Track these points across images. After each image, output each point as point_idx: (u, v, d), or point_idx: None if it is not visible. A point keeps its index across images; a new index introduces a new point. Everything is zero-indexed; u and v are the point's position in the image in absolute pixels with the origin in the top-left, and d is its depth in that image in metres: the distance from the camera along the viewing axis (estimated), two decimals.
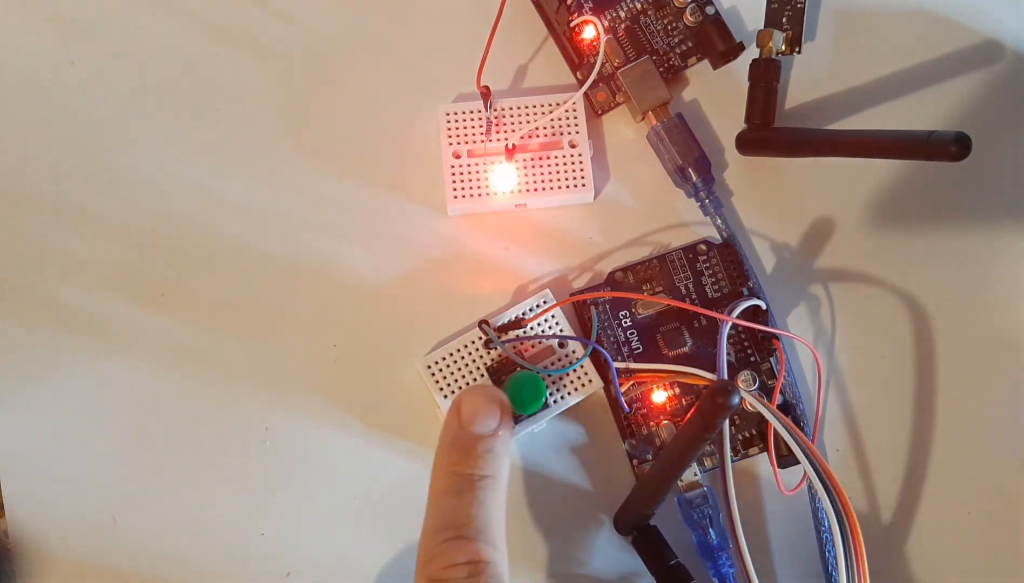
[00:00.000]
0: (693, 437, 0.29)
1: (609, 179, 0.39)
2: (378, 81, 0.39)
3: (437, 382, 0.36)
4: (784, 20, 0.39)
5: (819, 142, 0.37)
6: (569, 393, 0.36)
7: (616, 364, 0.36)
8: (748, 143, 0.39)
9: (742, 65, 0.39)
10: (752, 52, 0.39)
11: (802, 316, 0.38)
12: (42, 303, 0.37)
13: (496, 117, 0.38)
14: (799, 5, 0.39)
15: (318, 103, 0.39)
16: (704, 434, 0.29)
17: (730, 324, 0.35)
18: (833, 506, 0.32)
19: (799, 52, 0.39)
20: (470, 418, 0.32)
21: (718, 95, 0.40)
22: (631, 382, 0.36)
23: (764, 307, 0.36)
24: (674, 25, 0.39)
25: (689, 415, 0.30)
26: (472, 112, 0.38)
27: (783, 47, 0.38)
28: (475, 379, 0.36)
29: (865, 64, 0.40)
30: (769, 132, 0.38)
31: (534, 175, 0.38)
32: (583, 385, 0.36)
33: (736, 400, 0.27)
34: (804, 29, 0.39)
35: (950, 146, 0.30)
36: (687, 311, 0.37)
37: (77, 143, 0.38)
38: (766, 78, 0.38)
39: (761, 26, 0.39)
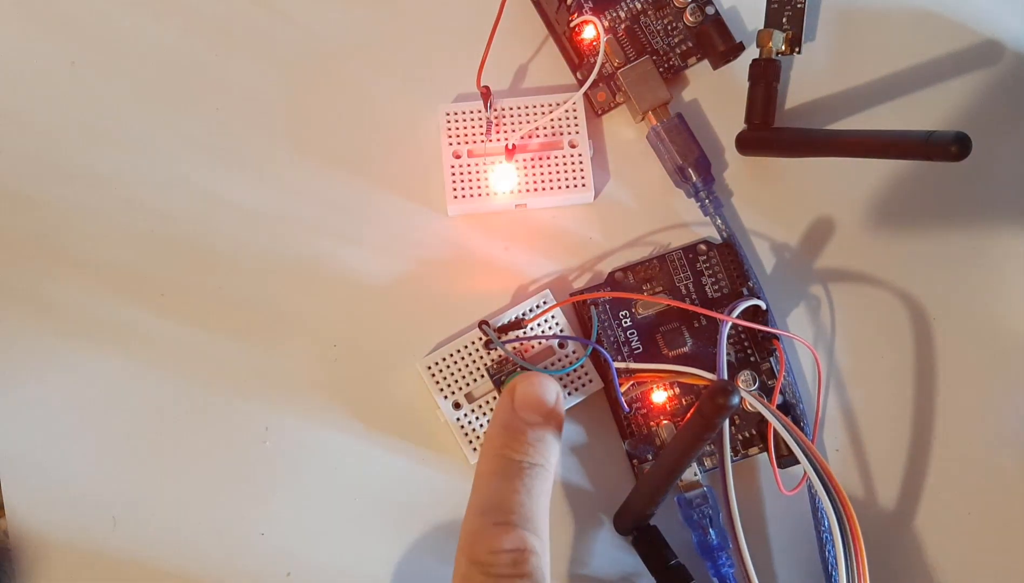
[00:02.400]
0: (693, 437, 0.29)
1: (609, 179, 0.39)
2: (378, 81, 0.39)
3: (437, 383, 0.36)
4: (784, 20, 0.39)
5: (819, 142, 0.37)
6: (569, 393, 0.36)
7: (616, 364, 0.36)
8: (748, 143, 0.39)
9: (742, 65, 0.39)
10: (752, 52, 0.39)
11: (802, 316, 0.38)
12: (42, 303, 0.37)
13: (496, 117, 0.38)
14: (799, 5, 0.39)
15: (318, 103, 0.39)
16: (704, 434, 0.29)
17: (730, 324, 0.35)
18: (833, 506, 0.32)
19: (799, 52, 0.39)
20: (523, 404, 0.32)
21: (718, 95, 0.40)
22: (631, 382, 0.36)
23: (764, 307, 0.36)
24: (674, 25, 0.39)
25: (689, 415, 0.30)
26: (472, 112, 0.38)
27: (783, 47, 0.38)
28: (475, 380, 0.36)
29: (865, 64, 0.40)
30: (769, 132, 0.38)
31: (534, 175, 0.38)
32: (583, 385, 0.36)
33: (736, 400, 0.27)
34: (804, 29, 0.39)
35: (950, 146, 0.30)
36: (687, 311, 0.37)
37: (77, 143, 0.38)
38: (766, 78, 0.38)
39: (761, 26, 0.39)
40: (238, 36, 0.39)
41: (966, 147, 0.30)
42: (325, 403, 0.36)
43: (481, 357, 0.36)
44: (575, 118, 0.38)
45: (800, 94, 0.40)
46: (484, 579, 0.29)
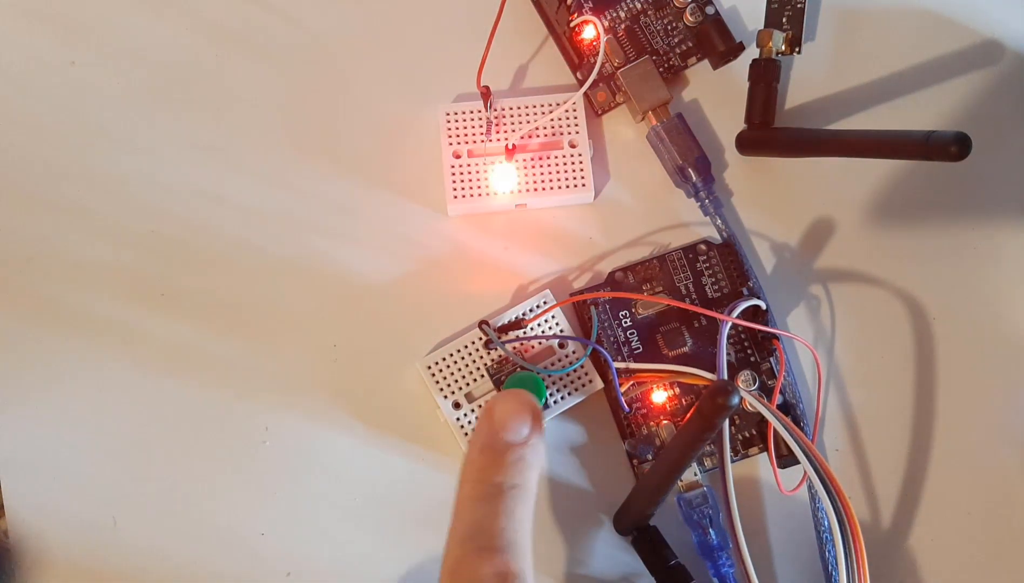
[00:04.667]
0: (693, 437, 0.29)
1: (609, 179, 0.39)
2: (378, 81, 0.39)
3: (437, 382, 0.36)
4: (784, 20, 0.39)
5: (819, 142, 0.37)
6: (569, 393, 0.36)
7: (616, 364, 0.36)
8: (748, 143, 0.39)
9: (742, 65, 0.39)
10: (752, 52, 0.39)
11: (802, 316, 0.38)
12: (42, 303, 0.37)
13: (496, 117, 0.38)
14: (799, 5, 0.39)
15: (318, 103, 0.39)
16: (704, 434, 0.29)
17: (730, 324, 0.35)
18: (833, 506, 0.32)
19: (799, 52, 0.39)
20: (501, 425, 0.31)
21: (718, 95, 0.40)
22: (631, 382, 0.36)
23: (764, 307, 0.36)
24: (674, 25, 0.39)
25: (689, 415, 0.30)
26: (472, 112, 0.38)
27: (783, 47, 0.38)
28: (475, 380, 0.36)
29: (865, 64, 0.40)
30: (769, 132, 0.38)
31: (534, 175, 0.38)
32: (583, 385, 0.36)
33: (736, 400, 0.27)
34: (804, 29, 0.39)
35: (950, 146, 0.30)
36: (687, 311, 0.37)
37: (77, 143, 0.38)
38: (766, 78, 0.38)
39: (761, 26, 0.39)
40: (238, 36, 0.39)
41: (966, 147, 0.30)
42: (325, 403, 0.36)
43: (481, 357, 0.36)
44: (575, 118, 0.38)
45: (800, 94, 0.40)
46: None
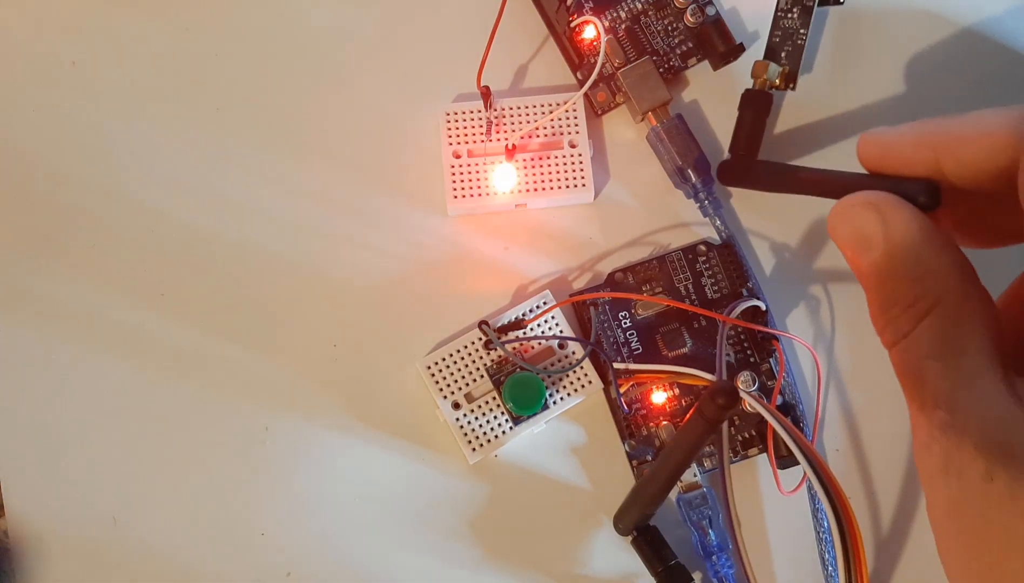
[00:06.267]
0: (693, 438, 0.29)
1: (609, 179, 0.39)
2: (378, 81, 0.39)
3: (437, 383, 0.36)
4: (783, 55, 0.38)
5: (798, 180, 0.35)
6: (569, 394, 0.36)
7: (616, 365, 0.36)
8: (729, 173, 0.37)
9: (742, 66, 0.39)
10: (752, 52, 0.38)
11: (802, 316, 0.38)
12: (42, 303, 0.37)
13: (496, 117, 0.38)
14: (799, 42, 0.38)
15: (318, 103, 0.39)
16: (704, 435, 0.29)
17: (729, 325, 0.35)
18: (832, 507, 0.32)
19: (793, 88, 0.38)
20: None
21: (718, 96, 0.40)
22: (631, 383, 0.36)
23: (764, 307, 0.36)
24: (674, 26, 0.39)
25: (688, 416, 0.30)
26: (472, 112, 0.38)
27: (777, 81, 0.37)
28: (475, 380, 0.36)
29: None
30: (750, 163, 0.37)
31: (534, 175, 0.38)
32: (583, 386, 0.36)
33: (736, 401, 0.27)
34: (801, 66, 0.38)
35: (918, 197, 0.28)
36: (687, 311, 0.37)
37: (77, 143, 0.38)
38: (755, 109, 0.37)
39: (763, 26, 0.39)
40: (238, 36, 0.39)
41: (935, 200, 0.28)
42: (325, 403, 0.36)
43: (481, 357, 0.36)
44: (575, 118, 0.38)
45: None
46: None
